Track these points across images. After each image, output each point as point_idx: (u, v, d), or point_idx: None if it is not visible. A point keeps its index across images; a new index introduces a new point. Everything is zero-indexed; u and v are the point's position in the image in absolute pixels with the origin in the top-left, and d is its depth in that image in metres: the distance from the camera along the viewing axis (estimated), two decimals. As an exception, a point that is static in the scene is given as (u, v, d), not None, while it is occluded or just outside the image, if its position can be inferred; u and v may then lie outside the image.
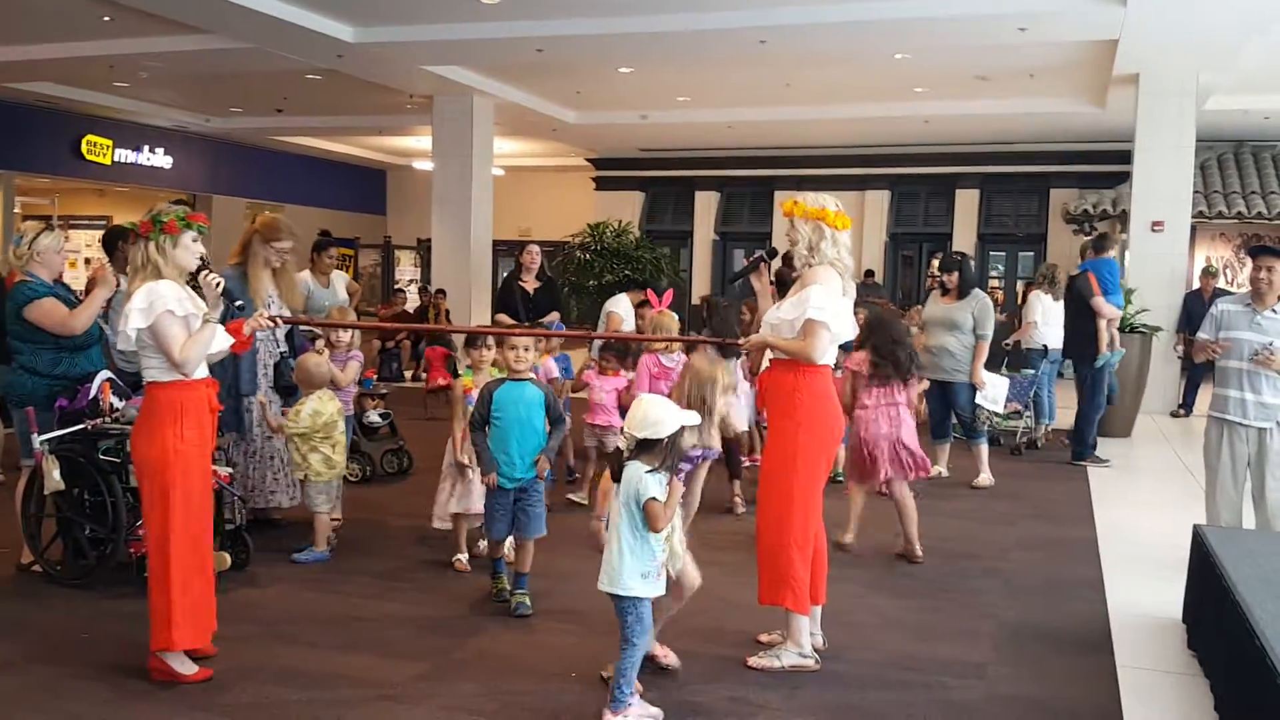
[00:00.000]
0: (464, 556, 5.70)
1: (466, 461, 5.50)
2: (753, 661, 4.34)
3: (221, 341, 4.22)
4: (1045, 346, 10.08)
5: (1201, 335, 5.81)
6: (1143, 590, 5.55)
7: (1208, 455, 5.78)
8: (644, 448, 3.70)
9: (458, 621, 4.85)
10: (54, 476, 5.11)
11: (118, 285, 5.65)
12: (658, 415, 3.71)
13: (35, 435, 5.18)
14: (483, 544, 5.71)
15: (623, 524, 3.72)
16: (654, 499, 3.66)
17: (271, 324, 4.40)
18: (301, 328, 6.57)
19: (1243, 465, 5.62)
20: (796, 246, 4.40)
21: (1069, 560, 6.15)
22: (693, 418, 3.83)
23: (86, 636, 4.58)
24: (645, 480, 3.67)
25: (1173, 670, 4.47)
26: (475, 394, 5.26)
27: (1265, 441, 5.53)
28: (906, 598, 5.37)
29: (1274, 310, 5.52)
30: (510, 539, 5.16)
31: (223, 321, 4.27)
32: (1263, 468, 5.55)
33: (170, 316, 3.96)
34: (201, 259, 4.14)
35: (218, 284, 4.05)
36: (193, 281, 4.20)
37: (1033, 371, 9.95)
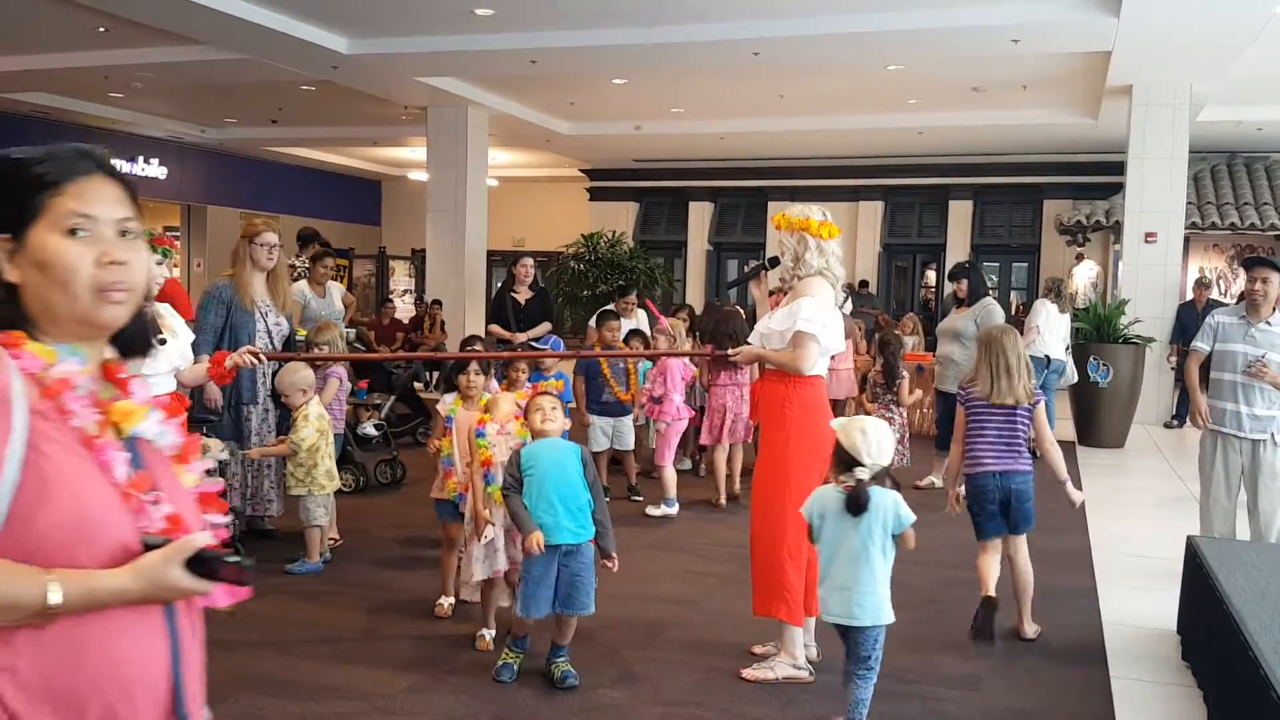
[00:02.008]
0: (490, 633, 4.68)
1: (488, 516, 4.52)
2: (746, 673, 4.33)
3: (175, 363, 4.14)
4: (1047, 357, 10.09)
5: (1198, 344, 5.85)
6: (1136, 601, 5.56)
7: (1202, 466, 5.80)
8: (880, 475, 3.68)
9: (451, 633, 4.84)
10: None
11: None
12: (889, 440, 3.73)
13: None
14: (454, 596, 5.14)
15: (874, 552, 3.65)
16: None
17: (256, 361, 4.33)
18: (294, 334, 6.54)
19: (1236, 476, 5.64)
20: (784, 259, 4.41)
21: (1063, 571, 6.15)
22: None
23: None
24: (903, 505, 3.69)
25: (1166, 682, 4.47)
26: (489, 426, 4.66)
27: (1259, 453, 5.55)
28: (900, 609, 5.30)
29: (1268, 323, 5.55)
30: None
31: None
32: (1256, 479, 5.57)
33: None
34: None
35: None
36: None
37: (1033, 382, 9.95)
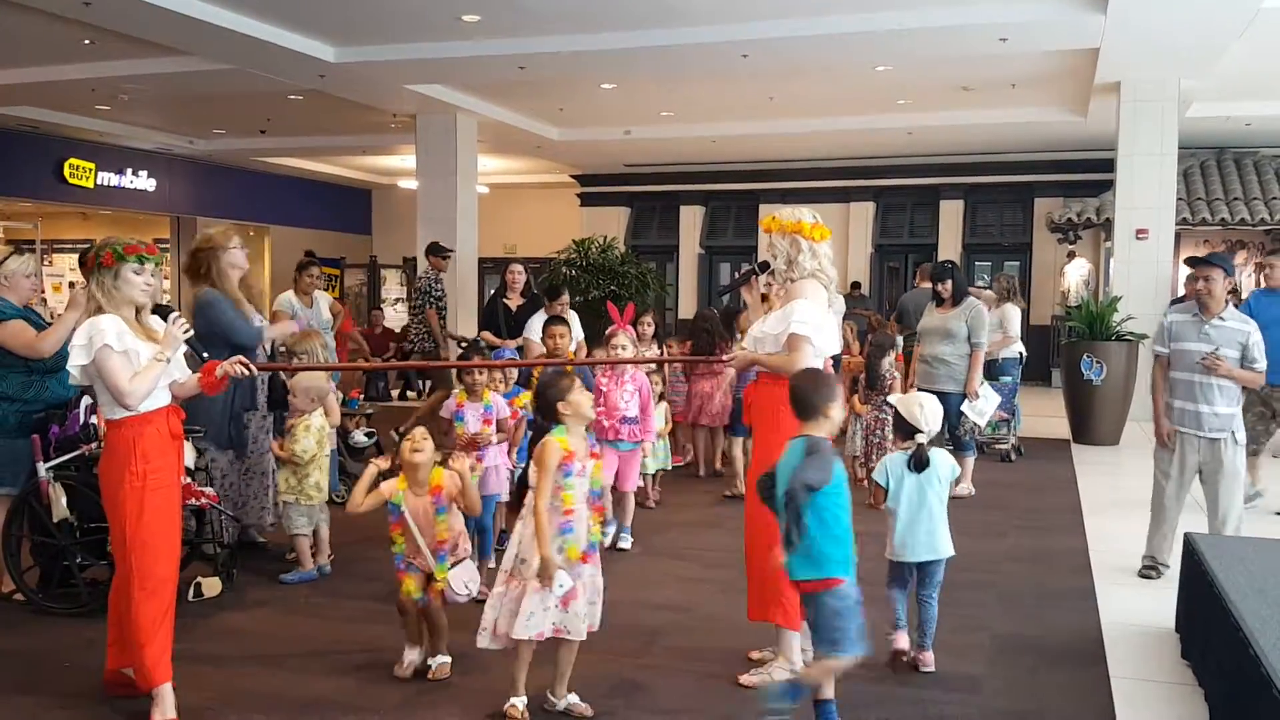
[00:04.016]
0: (521, 702, 3.95)
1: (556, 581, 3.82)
2: (744, 679, 4.30)
3: (174, 376, 4.10)
4: (1021, 354, 10.19)
5: (1157, 348, 5.93)
6: (1135, 600, 5.54)
7: (1159, 463, 5.86)
8: (934, 440, 4.65)
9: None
10: (61, 504, 5.06)
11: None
12: (939, 413, 4.67)
13: (40, 463, 5.12)
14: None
15: (943, 498, 4.51)
16: None
17: (246, 372, 4.28)
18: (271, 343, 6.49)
19: (1191, 475, 5.73)
20: (776, 262, 4.39)
21: (1060, 570, 6.13)
22: None
23: (69, 665, 4.52)
24: (953, 460, 4.66)
25: (1166, 680, 4.44)
26: (574, 464, 3.94)
27: (1220, 452, 5.62)
28: (898, 611, 5.32)
29: (1221, 318, 5.62)
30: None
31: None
32: (1217, 477, 5.64)
33: (108, 351, 3.83)
34: (163, 304, 4.04)
35: (186, 332, 3.98)
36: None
37: (1010, 379, 9.98)
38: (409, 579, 4.36)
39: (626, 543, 6.56)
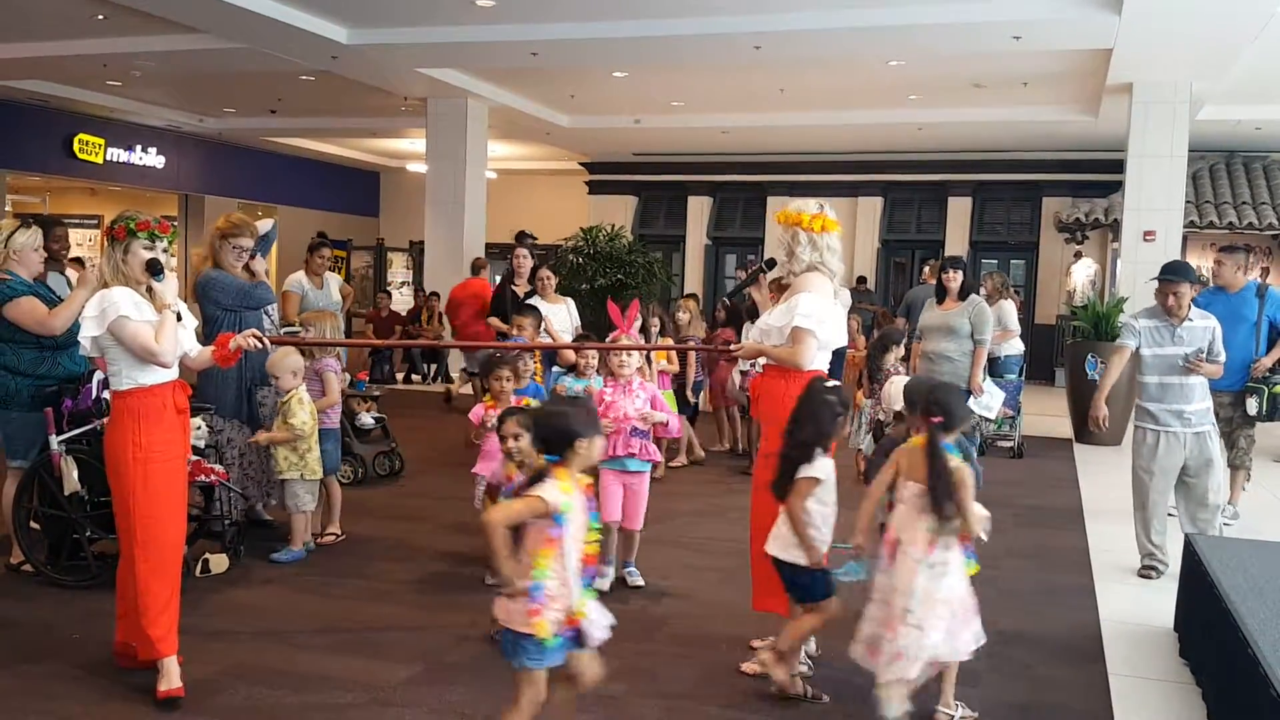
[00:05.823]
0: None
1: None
2: (746, 667, 4.34)
3: (185, 349, 4.13)
4: (1024, 352, 10.25)
5: (1127, 340, 6.05)
6: (1134, 598, 5.57)
7: (1141, 461, 5.99)
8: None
9: (450, 625, 4.83)
10: (73, 477, 5.09)
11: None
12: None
13: (53, 436, 5.15)
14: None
15: None
16: None
17: (259, 345, 4.31)
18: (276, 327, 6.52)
19: (1175, 472, 5.88)
20: (780, 254, 4.43)
21: (1060, 568, 6.17)
22: None
23: (77, 636, 4.57)
24: None
25: (1164, 679, 4.48)
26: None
27: (1206, 445, 5.82)
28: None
29: (1189, 319, 5.85)
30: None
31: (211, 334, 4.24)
32: (1205, 471, 5.81)
33: (124, 321, 3.88)
34: (153, 266, 4.03)
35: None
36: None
37: (1014, 376, 10.02)
38: (545, 619, 3.13)
39: (638, 578, 5.59)
